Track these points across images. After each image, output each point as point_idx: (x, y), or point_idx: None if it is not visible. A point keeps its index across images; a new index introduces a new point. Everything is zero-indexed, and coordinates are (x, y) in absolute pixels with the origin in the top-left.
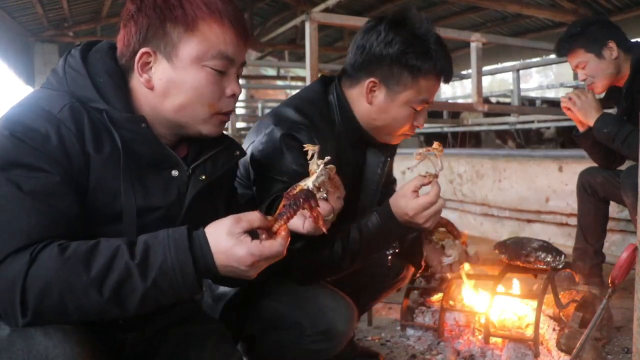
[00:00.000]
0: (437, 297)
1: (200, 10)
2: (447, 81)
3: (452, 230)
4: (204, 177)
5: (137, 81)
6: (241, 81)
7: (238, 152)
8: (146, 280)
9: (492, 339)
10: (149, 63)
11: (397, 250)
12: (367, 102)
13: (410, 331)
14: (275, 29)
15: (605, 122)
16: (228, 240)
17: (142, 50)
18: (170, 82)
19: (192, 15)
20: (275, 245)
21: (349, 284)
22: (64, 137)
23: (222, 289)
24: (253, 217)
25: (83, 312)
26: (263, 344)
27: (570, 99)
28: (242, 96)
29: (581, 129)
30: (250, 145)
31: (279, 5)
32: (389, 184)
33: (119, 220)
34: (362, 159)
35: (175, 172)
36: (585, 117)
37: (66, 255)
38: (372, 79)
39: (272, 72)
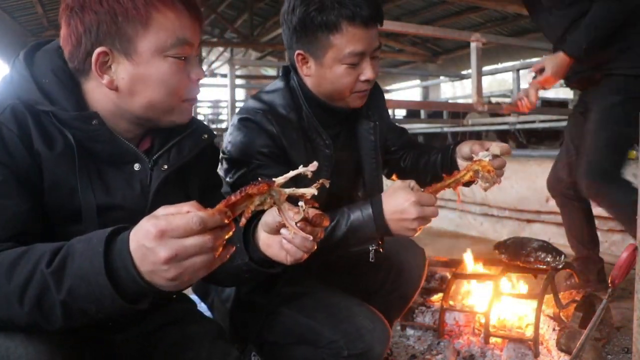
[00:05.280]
0: (437, 297)
1: None
2: (369, 22)
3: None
4: (165, 167)
5: (94, 82)
6: (241, 81)
7: (206, 136)
8: (60, 291)
9: (492, 339)
10: (106, 62)
11: (381, 250)
12: (305, 75)
13: (410, 331)
14: (275, 29)
15: (573, 40)
16: (144, 220)
17: (98, 50)
18: (135, 79)
19: (143, 5)
20: (185, 216)
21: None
22: (5, 138)
23: (228, 291)
24: (186, 207)
25: (16, 323)
26: (282, 356)
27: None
28: (242, 96)
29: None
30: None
31: (279, 5)
32: (402, 134)
33: (79, 220)
34: (351, 133)
35: (137, 166)
36: (558, 70)
37: None
38: (297, 52)
39: (272, 72)
